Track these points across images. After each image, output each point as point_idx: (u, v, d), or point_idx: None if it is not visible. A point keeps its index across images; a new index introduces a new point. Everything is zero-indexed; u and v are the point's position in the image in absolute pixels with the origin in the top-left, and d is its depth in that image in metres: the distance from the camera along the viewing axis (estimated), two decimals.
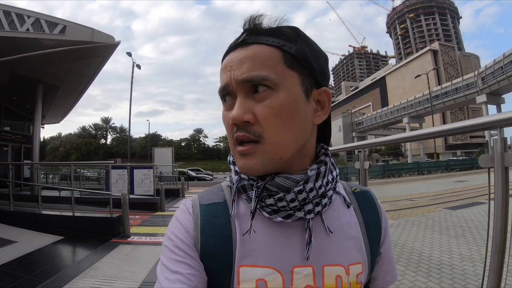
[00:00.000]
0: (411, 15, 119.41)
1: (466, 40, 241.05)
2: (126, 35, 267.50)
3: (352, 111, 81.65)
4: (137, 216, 8.81)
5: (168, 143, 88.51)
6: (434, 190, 13.35)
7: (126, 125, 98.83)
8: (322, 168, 0.66)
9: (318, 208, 0.64)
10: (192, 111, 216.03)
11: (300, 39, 0.64)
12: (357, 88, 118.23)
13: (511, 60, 38.68)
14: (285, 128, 0.61)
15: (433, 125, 44.24)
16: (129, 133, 41.11)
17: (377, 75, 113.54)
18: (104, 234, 6.45)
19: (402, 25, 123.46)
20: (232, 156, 0.71)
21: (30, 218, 7.39)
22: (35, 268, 4.61)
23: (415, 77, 47.10)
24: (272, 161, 0.61)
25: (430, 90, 46.42)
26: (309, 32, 0.67)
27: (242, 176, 0.66)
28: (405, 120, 58.82)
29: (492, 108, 47.46)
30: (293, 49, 0.62)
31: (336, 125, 78.94)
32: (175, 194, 14.63)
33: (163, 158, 20.75)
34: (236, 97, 0.62)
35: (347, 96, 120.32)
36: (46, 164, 30.84)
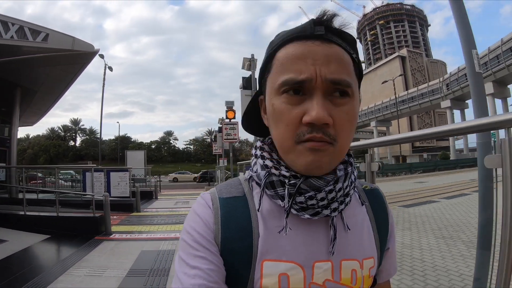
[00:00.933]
0: (381, 22, 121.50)
1: (436, 46, 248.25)
2: (98, 33, 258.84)
3: None
4: (115, 217, 9.21)
5: (139, 145, 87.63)
6: (393, 190, 14.27)
7: (95, 127, 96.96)
8: (350, 169, 0.68)
9: (342, 207, 0.65)
10: (163, 113, 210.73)
11: (357, 49, 0.66)
12: None
13: None
14: (351, 134, 0.63)
15: (399, 129, 45.63)
16: (101, 136, 40.95)
17: None
18: (87, 232, 6.93)
19: (372, 32, 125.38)
20: (260, 150, 0.72)
21: (15, 219, 7.73)
22: (30, 263, 5.13)
23: (382, 83, 48.87)
24: (336, 163, 0.64)
25: (396, 95, 48.19)
26: None
27: (272, 171, 0.66)
28: (373, 124, 60.92)
29: (456, 113, 49.78)
30: (357, 59, 0.64)
31: None
32: (148, 196, 15.08)
33: (135, 160, 21.04)
34: (307, 93, 0.60)
35: None
36: (32, 167, 30.29)
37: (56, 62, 10.62)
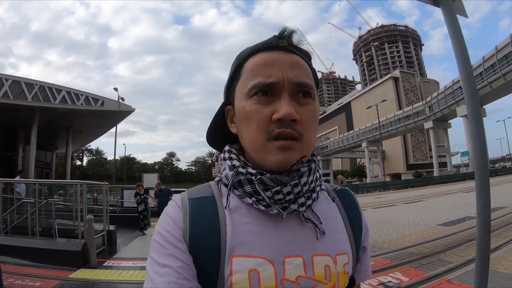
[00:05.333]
0: (376, 43, 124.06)
1: (436, 63, 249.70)
2: (102, 52, 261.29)
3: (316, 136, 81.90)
4: None
5: (143, 166, 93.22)
6: None
7: (100, 147, 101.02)
8: (313, 165, 0.72)
9: (309, 202, 0.68)
10: (164, 133, 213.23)
11: (311, 62, 0.75)
12: (325, 112, 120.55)
13: (451, 92, 43.14)
14: (314, 132, 0.68)
15: (382, 149, 48.59)
16: (114, 158, 45.74)
17: (344, 100, 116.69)
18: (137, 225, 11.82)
19: (367, 53, 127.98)
20: (228, 153, 0.75)
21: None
22: (119, 233, 10.06)
23: (367, 108, 51.88)
24: (305, 159, 0.67)
25: (379, 120, 51.64)
26: None
27: (240, 170, 0.68)
28: (364, 144, 63.27)
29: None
30: (313, 69, 0.74)
31: None
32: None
33: (148, 181, 25.76)
34: (275, 94, 0.65)
35: None
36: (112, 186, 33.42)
37: (106, 116, 15.70)
